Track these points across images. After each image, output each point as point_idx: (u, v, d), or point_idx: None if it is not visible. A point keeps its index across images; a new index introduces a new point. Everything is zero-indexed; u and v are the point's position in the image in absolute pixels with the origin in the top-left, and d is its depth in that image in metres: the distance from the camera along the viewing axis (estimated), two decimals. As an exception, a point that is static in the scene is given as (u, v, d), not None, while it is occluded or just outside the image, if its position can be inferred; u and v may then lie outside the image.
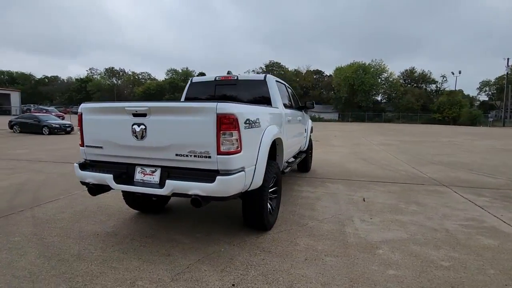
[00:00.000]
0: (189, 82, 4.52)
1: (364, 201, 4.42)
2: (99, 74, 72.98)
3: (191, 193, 2.38)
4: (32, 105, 43.11)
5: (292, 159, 5.53)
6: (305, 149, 6.09)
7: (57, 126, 17.20)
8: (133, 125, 2.53)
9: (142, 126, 2.51)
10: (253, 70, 60.05)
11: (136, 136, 2.53)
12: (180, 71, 70.74)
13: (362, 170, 6.81)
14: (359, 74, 46.12)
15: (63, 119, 27.24)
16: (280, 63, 58.27)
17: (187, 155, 2.43)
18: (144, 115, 2.50)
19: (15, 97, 45.06)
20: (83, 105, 2.82)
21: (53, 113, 34.23)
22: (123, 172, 2.72)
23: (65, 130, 17.60)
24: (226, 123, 2.33)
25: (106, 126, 2.69)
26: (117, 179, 2.65)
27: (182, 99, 4.51)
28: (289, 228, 3.37)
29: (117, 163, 2.75)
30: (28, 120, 17.63)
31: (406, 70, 57.12)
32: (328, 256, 2.72)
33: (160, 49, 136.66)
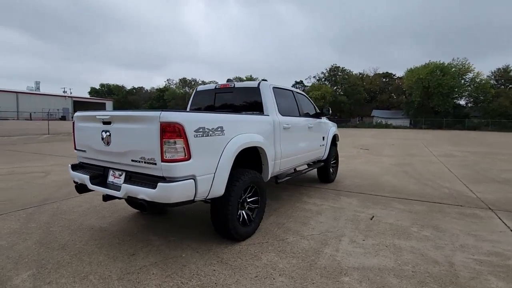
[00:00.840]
0: (194, 91, 4.74)
1: (371, 219, 3.92)
2: (174, 84, 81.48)
3: (140, 197, 2.50)
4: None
5: (305, 167, 5.28)
6: (323, 158, 5.72)
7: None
8: (102, 131, 2.80)
9: (108, 133, 2.76)
10: (314, 76, 58.92)
11: (104, 142, 2.80)
12: (244, 78, 73.99)
13: (394, 184, 6.03)
14: (435, 76, 41.00)
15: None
16: (343, 67, 55.73)
17: (139, 161, 2.57)
18: (109, 123, 2.75)
19: (109, 106, 53.53)
20: (75, 114, 3.24)
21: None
22: (100, 174, 3.01)
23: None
24: (169, 131, 2.39)
25: (86, 132, 3.04)
26: (93, 180, 2.95)
27: (188, 107, 4.74)
28: (264, 241, 3.22)
29: (97, 165, 3.07)
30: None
31: (499, 69, 48.57)
32: (283, 276, 2.51)
33: (228, 59, 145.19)
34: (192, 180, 2.53)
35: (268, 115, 3.83)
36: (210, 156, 2.73)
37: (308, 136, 4.88)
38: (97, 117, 2.82)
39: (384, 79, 61.88)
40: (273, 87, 4.14)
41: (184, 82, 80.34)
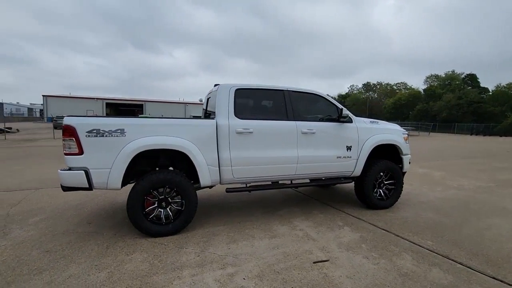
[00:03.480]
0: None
1: (314, 263, 2.79)
2: (358, 90, 79.76)
3: (62, 180, 3.38)
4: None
5: (303, 181, 4.37)
6: (352, 175, 4.34)
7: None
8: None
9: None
10: None
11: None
12: (443, 75, 60.37)
13: (485, 234, 3.52)
14: None
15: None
16: None
17: (67, 154, 3.47)
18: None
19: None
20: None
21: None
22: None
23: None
24: (66, 131, 3.11)
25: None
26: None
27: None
28: (165, 243, 3.22)
29: None
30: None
31: None
32: (108, 275, 2.58)
33: (430, 53, 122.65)
34: (83, 171, 3.12)
35: (213, 119, 3.66)
36: (105, 154, 3.18)
37: (302, 143, 3.98)
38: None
39: None
40: (237, 89, 3.84)
41: (367, 86, 76.83)
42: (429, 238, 3.40)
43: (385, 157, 4.76)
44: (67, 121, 3.14)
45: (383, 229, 3.67)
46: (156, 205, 3.43)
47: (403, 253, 3.01)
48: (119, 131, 3.22)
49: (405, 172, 4.83)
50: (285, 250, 3.06)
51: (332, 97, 4.45)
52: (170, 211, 3.48)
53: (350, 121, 4.33)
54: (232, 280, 2.49)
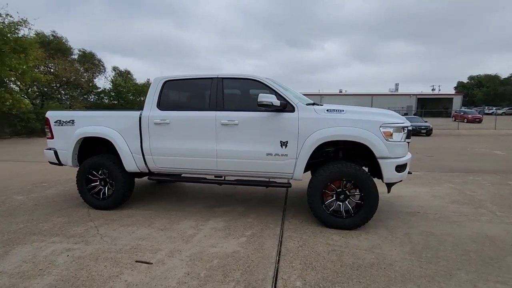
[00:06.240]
0: None
1: (136, 261, 2.63)
2: None
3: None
4: (465, 108, 43.41)
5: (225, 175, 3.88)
6: (293, 177, 3.43)
7: (411, 128, 18.42)
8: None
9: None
10: None
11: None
12: None
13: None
14: None
15: (479, 121, 30.56)
16: None
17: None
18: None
19: (457, 101, 48.01)
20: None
21: (470, 115, 32.23)
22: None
23: (419, 132, 18.21)
24: (46, 122, 4.29)
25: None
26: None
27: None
28: (91, 215, 3.85)
29: None
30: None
31: None
32: None
33: None
34: (53, 151, 4.23)
35: (137, 111, 3.92)
36: (65, 139, 4.13)
37: (222, 136, 3.53)
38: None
39: None
40: (166, 81, 3.88)
41: None
42: (314, 278, 2.32)
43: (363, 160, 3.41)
44: (46, 114, 4.31)
45: (279, 251, 2.79)
46: (98, 183, 4.14)
47: (232, 283, 2.27)
48: (71, 121, 4.11)
49: (392, 184, 3.30)
50: (140, 243, 3.00)
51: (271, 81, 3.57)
52: (108, 190, 4.10)
53: (291, 109, 3.42)
54: (59, 255, 2.78)
